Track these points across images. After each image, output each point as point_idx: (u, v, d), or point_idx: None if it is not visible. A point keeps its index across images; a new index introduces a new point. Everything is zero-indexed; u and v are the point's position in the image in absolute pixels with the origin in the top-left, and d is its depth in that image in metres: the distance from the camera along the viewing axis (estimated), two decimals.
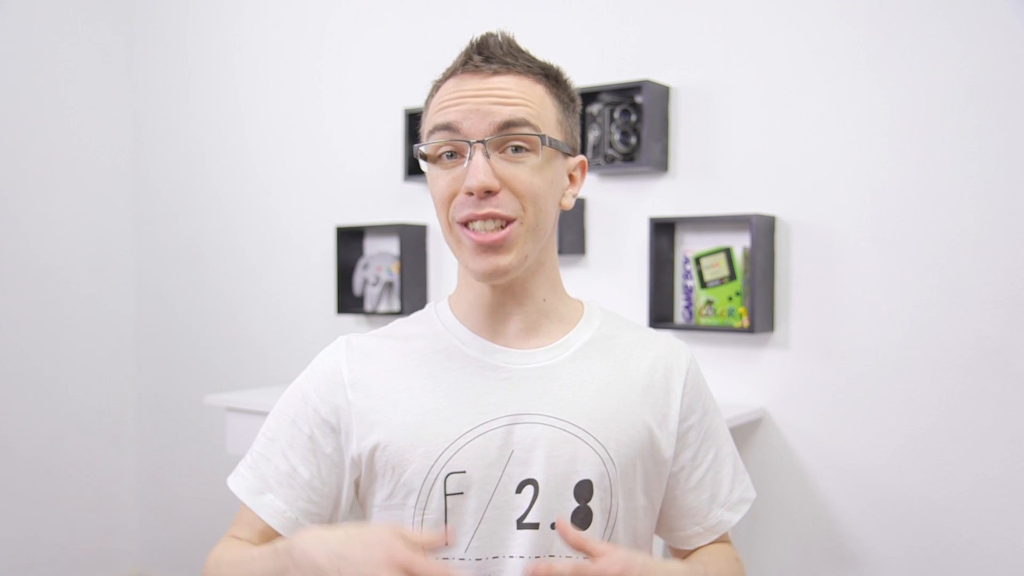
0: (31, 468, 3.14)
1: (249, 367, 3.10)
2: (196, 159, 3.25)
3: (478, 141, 0.91)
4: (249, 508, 1.00)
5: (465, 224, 0.93)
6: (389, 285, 2.71)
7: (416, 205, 2.68)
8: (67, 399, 3.24)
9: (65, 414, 3.24)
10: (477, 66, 0.94)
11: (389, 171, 2.73)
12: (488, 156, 0.91)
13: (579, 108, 1.03)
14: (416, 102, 2.64)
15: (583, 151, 2.24)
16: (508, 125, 0.91)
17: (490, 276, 0.94)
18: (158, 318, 3.40)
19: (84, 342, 3.30)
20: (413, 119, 2.61)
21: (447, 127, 0.93)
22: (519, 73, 0.95)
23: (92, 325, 3.32)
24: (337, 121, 2.87)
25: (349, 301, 2.74)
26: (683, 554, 1.12)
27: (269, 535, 0.99)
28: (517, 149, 0.92)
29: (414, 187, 2.68)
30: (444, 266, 2.64)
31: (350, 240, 2.76)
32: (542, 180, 0.93)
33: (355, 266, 2.77)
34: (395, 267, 2.67)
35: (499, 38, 0.96)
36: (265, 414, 2.32)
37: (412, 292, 2.62)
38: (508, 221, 0.92)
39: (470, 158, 0.91)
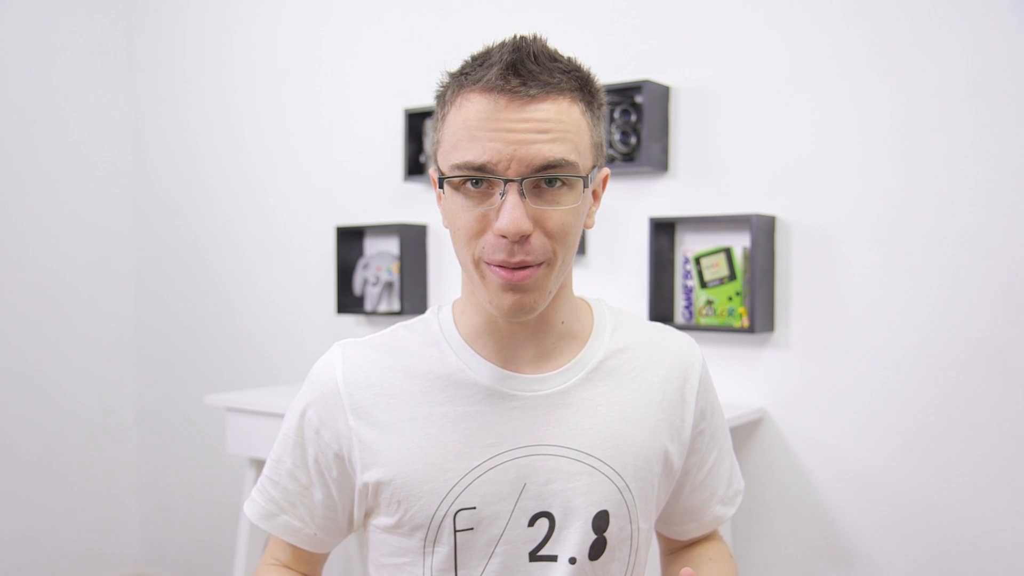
0: (31, 468, 3.15)
1: (249, 367, 3.10)
2: (196, 159, 3.25)
3: (513, 180, 0.83)
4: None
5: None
6: (389, 285, 2.71)
7: (416, 205, 2.68)
8: (67, 399, 3.24)
9: (65, 414, 3.24)
10: (514, 91, 0.83)
11: (389, 171, 2.73)
12: (524, 196, 0.83)
13: (606, 107, 0.94)
14: (416, 102, 2.64)
15: None
16: (548, 166, 0.84)
17: (515, 314, 0.87)
18: (158, 318, 3.40)
19: (84, 343, 3.30)
20: (413, 119, 2.61)
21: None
22: (558, 94, 0.85)
23: (92, 326, 3.32)
24: (337, 121, 2.87)
25: (349, 301, 2.74)
26: (674, 544, 1.13)
27: (294, 550, 1.01)
28: (551, 182, 0.84)
29: (414, 187, 2.68)
30: (444, 266, 2.64)
31: (350, 240, 2.76)
32: (575, 218, 0.87)
33: (355, 266, 2.77)
34: (395, 267, 2.67)
35: (532, 49, 0.86)
36: (265, 414, 2.33)
37: (412, 292, 2.62)
38: (537, 264, 0.86)
39: (503, 195, 0.83)
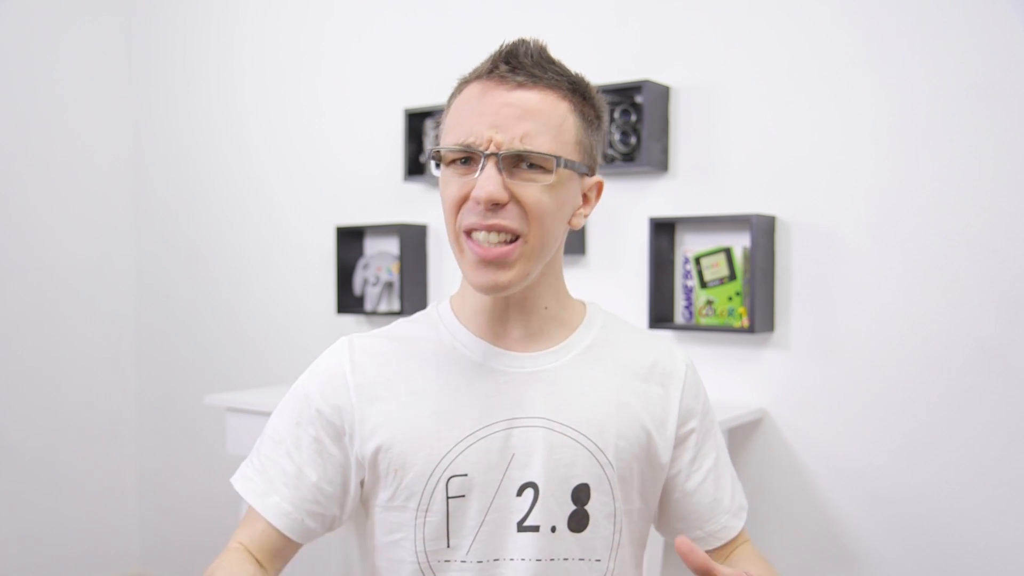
0: (31, 468, 3.14)
1: (249, 367, 3.10)
2: (196, 159, 3.25)
3: (491, 153, 0.90)
4: (255, 509, 1.00)
5: (469, 234, 0.92)
6: (389, 285, 2.71)
7: (416, 205, 2.68)
8: (67, 399, 3.24)
9: (65, 414, 3.24)
10: (502, 75, 0.92)
11: (389, 171, 2.73)
12: (501, 170, 0.90)
13: (606, 123, 1.01)
14: (416, 102, 2.64)
15: None
16: (522, 147, 0.90)
17: (489, 290, 0.93)
18: (158, 318, 3.40)
19: (84, 342, 3.29)
20: (413, 119, 2.60)
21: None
22: (545, 87, 0.93)
23: (92, 325, 3.32)
24: (337, 121, 2.87)
25: (349, 301, 2.74)
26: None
27: (270, 535, 0.99)
28: (532, 166, 0.91)
29: (414, 187, 2.68)
30: (444, 266, 2.64)
31: (350, 240, 2.76)
32: (551, 200, 0.92)
33: (355, 266, 2.77)
34: (395, 267, 2.67)
35: (530, 47, 0.94)
36: (265, 414, 2.32)
37: (412, 292, 2.62)
38: (514, 237, 0.91)
39: (482, 168, 0.90)
